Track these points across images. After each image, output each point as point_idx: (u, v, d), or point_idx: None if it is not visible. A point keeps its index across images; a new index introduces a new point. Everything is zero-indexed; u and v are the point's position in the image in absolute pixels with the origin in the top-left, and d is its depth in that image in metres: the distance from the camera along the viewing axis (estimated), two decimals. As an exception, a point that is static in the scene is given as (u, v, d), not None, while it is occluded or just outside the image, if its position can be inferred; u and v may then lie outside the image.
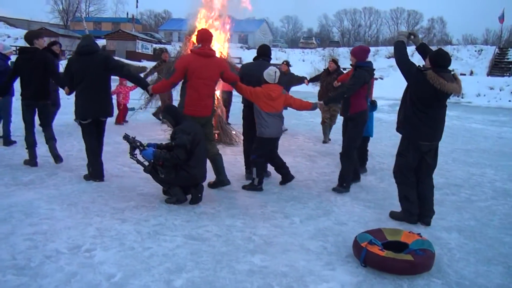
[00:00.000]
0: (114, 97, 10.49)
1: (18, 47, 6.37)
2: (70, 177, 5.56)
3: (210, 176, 5.17)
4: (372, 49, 37.40)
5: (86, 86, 5.19)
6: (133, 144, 4.78)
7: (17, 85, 6.09)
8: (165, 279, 3.17)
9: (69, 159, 6.50)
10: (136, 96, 10.24)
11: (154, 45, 41.95)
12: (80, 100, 5.28)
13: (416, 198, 4.53)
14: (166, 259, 3.48)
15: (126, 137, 4.84)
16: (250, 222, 4.36)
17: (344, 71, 8.91)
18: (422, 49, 4.72)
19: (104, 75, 5.29)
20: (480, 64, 31.53)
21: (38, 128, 6.12)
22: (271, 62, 6.05)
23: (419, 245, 3.54)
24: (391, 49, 35.87)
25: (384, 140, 9.53)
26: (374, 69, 5.73)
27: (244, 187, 5.46)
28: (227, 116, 10.22)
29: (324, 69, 9.32)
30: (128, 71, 5.54)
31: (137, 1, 53.81)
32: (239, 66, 10.77)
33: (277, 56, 32.66)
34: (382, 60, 33.90)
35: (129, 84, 9.29)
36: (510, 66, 30.80)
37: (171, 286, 3.10)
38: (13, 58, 6.77)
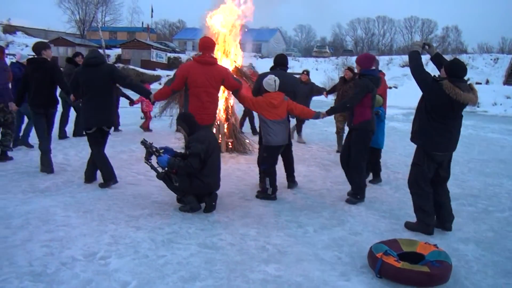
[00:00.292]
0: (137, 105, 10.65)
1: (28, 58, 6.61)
2: (85, 184, 5.63)
3: (224, 185, 5.18)
4: (386, 58, 37.38)
5: (92, 96, 5.38)
6: (150, 150, 4.84)
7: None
8: (179, 288, 3.17)
9: (85, 167, 6.56)
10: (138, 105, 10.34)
11: (169, 54, 42.39)
12: (86, 109, 5.48)
13: (432, 209, 4.49)
14: (180, 267, 3.48)
15: (143, 142, 4.91)
16: (264, 231, 4.35)
17: None
18: (437, 59, 4.69)
19: (110, 85, 5.48)
20: (496, 73, 31.16)
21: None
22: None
23: (435, 257, 3.49)
24: (405, 57, 35.80)
25: (399, 150, 9.45)
26: (380, 78, 5.60)
27: (257, 196, 5.45)
28: (253, 127, 10.28)
29: (340, 78, 9.26)
30: (130, 81, 5.67)
31: (152, 11, 54.57)
32: (252, 69, 10.83)
33: (290, 65, 32.69)
34: (396, 69, 33.74)
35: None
36: (527, 75, 30.40)
37: (185, 294, 3.10)
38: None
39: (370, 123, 5.39)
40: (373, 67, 5.42)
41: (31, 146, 7.47)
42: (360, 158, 5.42)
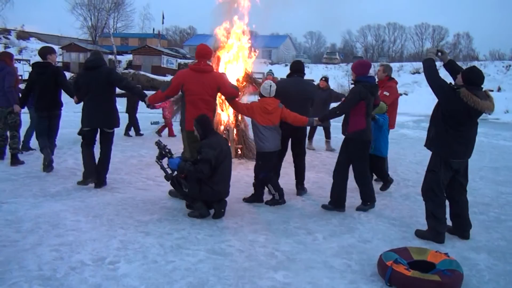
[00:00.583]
0: (159, 110, 10.71)
1: (32, 62, 7.04)
2: (95, 189, 5.66)
3: (233, 191, 5.18)
4: (396, 64, 37.22)
5: (91, 98, 5.58)
6: (163, 151, 4.87)
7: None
8: (188, 294, 3.17)
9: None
10: (157, 110, 10.38)
11: (179, 60, 42.63)
12: (85, 110, 5.68)
13: (445, 217, 4.45)
14: (188, 273, 3.48)
15: (158, 143, 4.98)
16: (272, 237, 4.33)
17: None
18: (450, 66, 4.67)
19: (108, 88, 5.61)
20: (508, 80, 30.85)
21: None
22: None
23: (446, 265, 3.44)
24: (415, 64, 35.66)
25: (409, 157, 9.37)
26: (377, 85, 5.42)
27: (267, 203, 5.44)
28: None
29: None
30: (127, 84, 5.78)
31: (163, 18, 54.90)
32: (271, 75, 10.81)
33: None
34: (406, 76, 33.57)
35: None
36: (540, 82, 30.04)
37: (193, 300, 3.09)
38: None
39: (365, 132, 5.18)
40: (369, 74, 5.30)
41: (33, 149, 7.67)
42: (363, 169, 5.32)
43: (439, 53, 4.69)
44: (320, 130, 9.89)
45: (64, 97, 6.39)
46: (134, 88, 5.79)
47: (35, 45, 46.14)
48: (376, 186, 6.05)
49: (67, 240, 3.96)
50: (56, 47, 42.97)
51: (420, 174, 7.53)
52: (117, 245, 3.92)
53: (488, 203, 6.04)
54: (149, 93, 5.73)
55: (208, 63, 5.24)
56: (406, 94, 28.70)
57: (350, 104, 5.11)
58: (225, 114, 7.93)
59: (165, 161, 4.89)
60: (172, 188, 5.09)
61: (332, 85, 28.72)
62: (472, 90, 4.13)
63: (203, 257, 3.78)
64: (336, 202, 5.29)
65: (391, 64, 36.15)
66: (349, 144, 5.24)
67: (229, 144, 7.26)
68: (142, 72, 36.40)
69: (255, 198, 5.48)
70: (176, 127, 10.44)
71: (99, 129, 5.77)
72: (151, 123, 10.86)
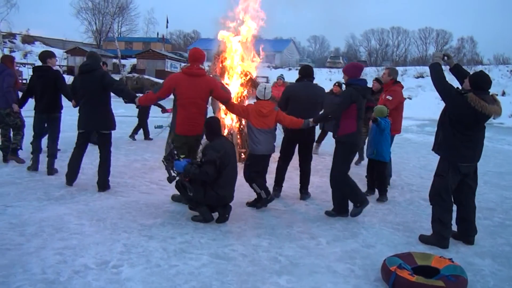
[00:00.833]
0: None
1: (26, 65, 7.32)
2: (99, 193, 5.67)
3: (237, 195, 5.17)
4: (400, 68, 37.07)
5: (86, 101, 5.74)
6: (172, 152, 4.88)
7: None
8: (191, 298, 3.17)
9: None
10: (164, 114, 10.38)
11: (183, 64, 42.73)
12: (80, 113, 5.78)
13: (451, 222, 4.44)
14: (192, 277, 3.48)
15: (169, 143, 4.96)
16: (276, 242, 4.32)
17: None
18: (456, 71, 4.68)
19: (102, 91, 5.69)
20: (512, 84, 30.76)
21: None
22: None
23: (450, 271, 3.43)
24: (419, 68, 35.55)
25: (413, 161, 9.35)
26: (369, 88, 5.32)
27: (249, 204, 5.45)
28: None
29: None
30: (117, 86, 5.80)
31: (167, 22, 55.20)
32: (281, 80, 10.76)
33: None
34: (410, 80, 33.45)
35: None
36: (544, 86, 29.91)
37: (196, 305, 3.08)
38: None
39: (355, 136, 5.10)
40: (359, 77, 5.20)
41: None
42: (340, 172, 5.14)
43: (446, 58, 4.69)
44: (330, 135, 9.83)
45: (66, 101, 6.44)
46: (123, 90, 5.85)
47: (40, 49, 46.37)
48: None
49: (71, 244, 3.97)
50: (60, 51, 43.27)
51: (424, 179, 7.52)
52: (121, 249, 3.92)
53: (493, 208, 6.01)
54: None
55: (201, 67, 5.22)
56: (410, 99, 28.61)
57: (342, 107, 5.04)
58: (229, 118, 7.94)
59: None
60: (175, 193, 5.09)
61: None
62: (480, 95, 4.14)
63: (206, 261, 3.78)
64: (339, 208, 5.27)
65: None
66: (338, 147, 5.19)
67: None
68: (146, 76, 36.49)
69: (257, 202, 5.47)
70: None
71: (97, 132, 5.87)
72: (155, 127, 10.86)
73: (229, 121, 7.94)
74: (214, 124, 4.96)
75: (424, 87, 30.91)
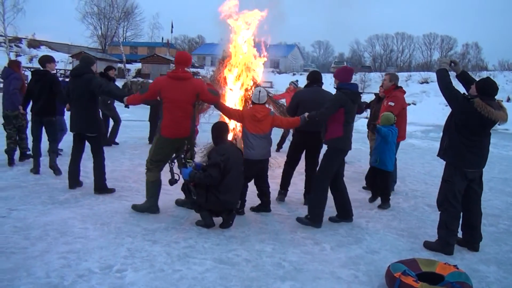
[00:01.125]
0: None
1: (31, 69, 7.71)
2: (103, 197, 5.68)
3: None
4: (404, 74, 37.03)
5: (74, 104, 5.91)
6: (180, 155, 4.90)
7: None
8: (194, 303, 3.16)
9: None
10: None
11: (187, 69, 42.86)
12: (70, 115, 5.96)
13: (457, 229, 4.42)
14: (195, 282, 3.47)
15: (186, 149, 5.04)
16: (280, 247, 4.31)
17: None
18: (463, 77, 4.68)
19: (88, 95, 5.77)
20: (517, 91, 30.65)
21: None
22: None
23: (455, 278, 3.41)
24: (424, 74, 35.53)
25: (417, 167, 9.32)
26: (359, 93, 5.17)
27: (257, 210, 5.43)
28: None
29: (374, 95, 8.88)
30: (105, 89, 5.83)
31: (172, 27, 55.50)
32: (270, 89, 10.80)
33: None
34: (414, 86, 33.45)
35: None
36: (550, 92, 29.80)
37: (200, 310, 3.08)
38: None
39: (341, 141, 5.01)
40: (350, 81, 5.14)
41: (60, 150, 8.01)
42: (320, 177, 5.06)
43: (452, 64, 4.68)
44: None
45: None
46: (111, 91, 5.90)
47: (45, 53, 46.60)
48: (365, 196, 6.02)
49: (75, 248, 3.97)
50: (66, 56, 43.55)
51: (428, 185, 7.50)
52: (125, 253, 3.92)
53: (498, 215, 5.98)
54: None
55: (187, 70, 5.18)
56: (415, 104, 28.60)
57: (329, 111, 4.97)
58: (233, 123, 7.93)
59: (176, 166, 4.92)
60: (179, 197, 5.09)
61: (340, 94, 28.57)
62: (486, 100, 4.15)
63: (210, 266, 3.78)
64: (341, 213, 5.26)
65: (399, 74, 35.80)
66: (326, 151, 5.13)
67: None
68: (150, 81, 36.48)
69: (261, 207, 5.46)
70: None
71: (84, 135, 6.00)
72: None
73: (233, 125, 7.94)
74: (220, 129, 4.95)
75: (428, 93, 30.88)
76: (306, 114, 5.26)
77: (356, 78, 37.76)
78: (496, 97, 4.34)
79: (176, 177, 4.87)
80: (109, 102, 9.35)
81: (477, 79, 4.49)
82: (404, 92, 6.78)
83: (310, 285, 3.54)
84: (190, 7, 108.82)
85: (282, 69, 48.87)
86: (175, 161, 4.95)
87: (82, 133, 5.94)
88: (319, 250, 4.32)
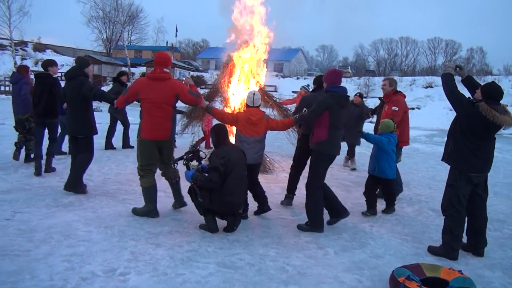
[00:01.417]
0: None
1: (35, 72, 8.14)
2: (107, 200, 5.69)
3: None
4: (408, 78, 36.92)
5: (69, 106, 6.07)
6: (184, 156, 4.96)
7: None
8: (197, 307, 3.15)
9: (107, 182, 6.68)
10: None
11: (192, 73, 43.03)
12: (66, 117, 6.23)
13: (462, 234, 4.40)
14: (198, 286, 3.47)
15: (193, 146, 5.13)
16: (283, 251, 4.30)
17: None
18: (468, 82, 4.67)
19: (80, 97, 5.86)
20: (522, 95, 30.54)
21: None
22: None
23: (460, 283, 3.38)
24: (428, 78, 35.46)
25: (421, 172, 9.28)
26: (347, 97, 5.05)
27: (259, 213, 5.41)
28: None
29: (379, 99, 8.81)
30: (96, 93, 5.89)
31: (176, 31, 55.59)
32: (274, 93, 10.81)
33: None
34: (419, 90, 33.42)
35: None
36: (555, 97, 29.67)
37: (203, 314, 3.07)
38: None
39: (325, 145, 4.93)
40: (339, 84, 5.05)
41: (64, 153, 8.42)
42: (311, 183, 5.02)
43: (458, 69, 4.67)
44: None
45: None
46: (102, 95, 5.96)
47: (51, 57, 46.95)
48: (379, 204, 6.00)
49: (79, 251, 3.98)
50: (71, 59, 43.71)
51: (432, 189, 7.47)
52: (128, 257, 3.92)
53: (503, 220, 5.95)
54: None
55: (165, 71, 5.12)
56: (419, 108, 28.56)
57: (313, 114, 4.94)
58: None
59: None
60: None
61: (344, 98, 28.59)
62: (491, 105, 4.14)
63: (213, 270, 3.77)
64: (333, 212, 5.22)
65: (404, 78, 35.64)
66: (312, 155, 5.10)
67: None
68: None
69: (261, 209, 5.44)
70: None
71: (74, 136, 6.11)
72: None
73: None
74: (220, 132, 4.89)
75: (432, 97, 30.81)
76: (297, 114, 5.24)
77: (360, 82, 37.81)
78: (501, 101, 4.32)
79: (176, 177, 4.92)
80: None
81: (482, 84, 4.49)
82: (405, 96, 6.69)
83: (313, 290, 3.52)
84: (194, 11, 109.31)
85: (286, 73, 48.92)
86: (178, 162, 4.97)
87: (73, 135, 6.05)
88: (323, 255, 4.31)
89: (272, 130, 5.46)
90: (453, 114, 4.55)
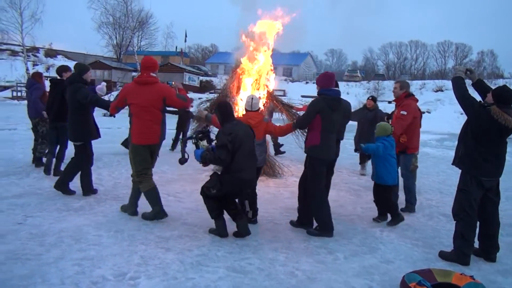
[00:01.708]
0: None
1: (48, 78, 8.54)
2: (117, 204, 5.71)
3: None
4: (418, 82, 36.69)
5: (68, 113, 6.10)
6: (193, 135, 4.93)
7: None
8: (207, 311, 3.15)
9: (117, 186, 6.72)
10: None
11: (201, 78, 43.19)
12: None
13: (474, 239, 4.36)
14: (208, 290, 3.47)
15: (202, 128, 5.11)
16: (293, 256, 4.29)
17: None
18: (479, 85, 4.64)
19: (77, 103, 5.91)
20: (534, 99, 30.20)
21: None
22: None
23: (472, 289, 3.35)
24: (438, 82, 35.22)
25: (432, 176, 9.20)
26: (339, 99, 4.96)
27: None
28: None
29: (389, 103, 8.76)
30: (91, 99, 5.89)
31: (186, 36, 55.97)
32: (283, 98, 10.80)
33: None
34: (429, 94, 33.19)
35: None
36: None
37: (212, 318, 3.07)
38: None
39: (318, 149, 4.87)
40: (332, 87, 4.99)
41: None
42: (311, 187, 4.96)
43: (468, 72, 4.64)
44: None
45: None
46: (98, 101, 5.97)
47: (62, 62, 47.44)
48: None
49: (89, 255, 4.01)
50: (82, 65, 44.12)
51: (443, 194, 7.41)
52: (138, 261, 3.94)
53: (515, 225, 5.86)
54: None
55: (152, 75, 5.14)
56: (429, 112, 28.35)
57: (306, 118, 4.92)
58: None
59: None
60: (191, 204, 5.09)
61: (353, 102, 28.57)
62: (503, 108, 4.11)
63: (222, 274, 3.77)
64: (300, 219, 5.21)
65: (413, 82, 35.19)
66: (307, 160, 5.07)
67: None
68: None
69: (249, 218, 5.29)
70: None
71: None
72: (173, 139, 10.97)
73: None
74: (224, 108, 4.82)
75: (443, 101, 30.60)
76: (294, 120, 5.19)
77: (369, 86, 37.65)
78: (512, 105, 4.27)
79: (186, 156, 4.90)
80: None
81: (493, 87, 4.45)
82: (417, 100, 6.32)
83: (323, 295, 3.51)
84: (203, 17, 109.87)
85: (295, 77, 48.90)
86: (187, 142, 4.95)
87: (70, 140, 6.16)
88: (333, 259, 4.29)
89: (269, 134, 5.43)
90: (463, 118, 4.51)
